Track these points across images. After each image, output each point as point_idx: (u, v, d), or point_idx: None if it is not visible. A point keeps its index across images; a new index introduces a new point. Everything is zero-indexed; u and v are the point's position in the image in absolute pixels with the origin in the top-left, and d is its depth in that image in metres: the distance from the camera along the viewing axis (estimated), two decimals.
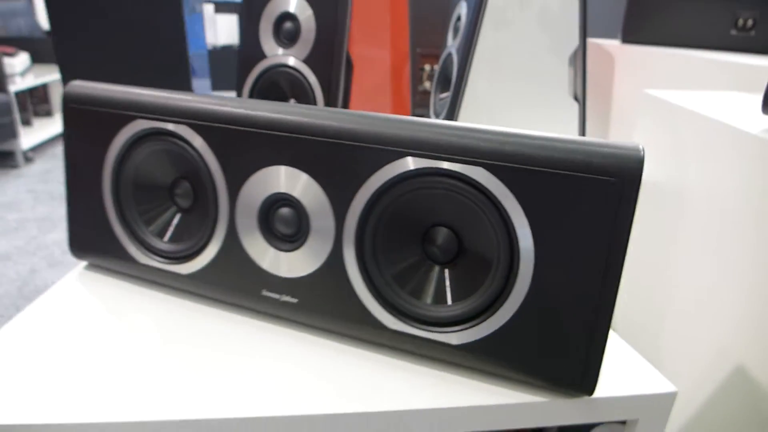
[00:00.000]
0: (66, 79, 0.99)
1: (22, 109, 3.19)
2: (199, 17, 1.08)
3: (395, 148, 0.37)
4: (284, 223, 0.41)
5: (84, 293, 0.48)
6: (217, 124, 0.42)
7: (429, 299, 0.38)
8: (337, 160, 0.38)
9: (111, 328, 0.43)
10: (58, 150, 3.25)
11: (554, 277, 0.34)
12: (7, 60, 2.93)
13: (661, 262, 0.73)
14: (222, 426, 0.34)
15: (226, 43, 3.49)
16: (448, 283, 0.38)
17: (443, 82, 0.96)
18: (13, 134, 2.84)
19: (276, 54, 0.69)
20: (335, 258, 0.40)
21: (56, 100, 3.63)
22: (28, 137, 3.07)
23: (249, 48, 0.70)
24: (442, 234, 0.38)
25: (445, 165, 0.36)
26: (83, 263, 0.53)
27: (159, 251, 0.47)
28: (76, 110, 0.48)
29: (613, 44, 1.25)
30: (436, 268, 0.39)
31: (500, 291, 0.36)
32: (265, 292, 0.43)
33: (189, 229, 0.46)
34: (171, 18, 1.00)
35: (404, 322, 0.38)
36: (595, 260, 0.33)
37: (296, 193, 0.40)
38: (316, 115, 0.39)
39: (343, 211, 0.39)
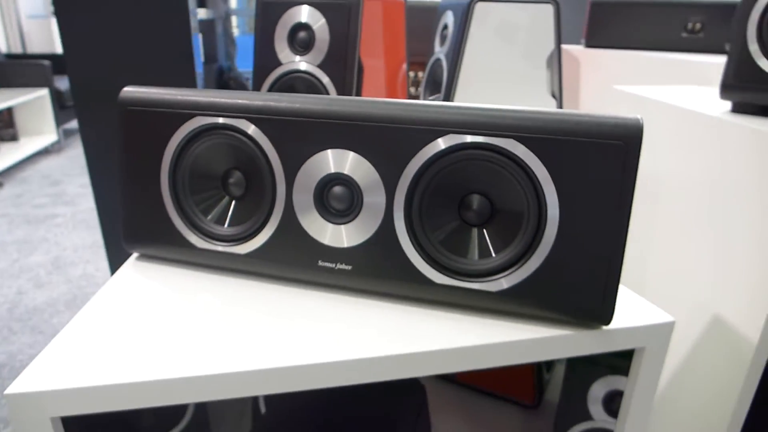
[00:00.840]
0: (76, 93, 1.03)
1: None
2: (197, 38, 1.14)
3: (437, 128, 0.44)
4: (338, 199, 0.47)
5: (145, 281, 0.53)
6: (274, 117, 0.48)
7: (469, 255, 0.45)
8: (385, 142, 0.45)
9: (181, 306, 0.48)
10: (27, 174, 3.20)
11: (576, 225, 0.42)
12: None
13: (642, 236, 0.82)
14: (301, 371, 0.40)
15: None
16: (481, 240, 0.45)
17: (432, 86, 1.04)
18: None
19: (292, 61, 0.75)
20: (386, 227, 0.46)
21: (22, 124, 3.57)
22: None
23: (265, 58, 0.76)
24: (475, 200, 0.45)
25: (481, 139, 0.43)
26: (132, 257, 0.58)
27: (217, 235, 0.52)
28: (133, 112, 0.53)
29: (578, 49, 1.36)
30: (474, 230, 0.46)
31: (531, 242, 0.43)
32: (321, 263, 0.49)
33: (242, 214, 0.52)
34: (181, 38, 1.06)
35: (450, 276, 0.45)
36: (609, 208, 0.41)
37: (349, 171, 0.47)
38: (363, 104, 0.46)
39: (393, 184, 0.45)
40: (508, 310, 0.45)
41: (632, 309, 0.48)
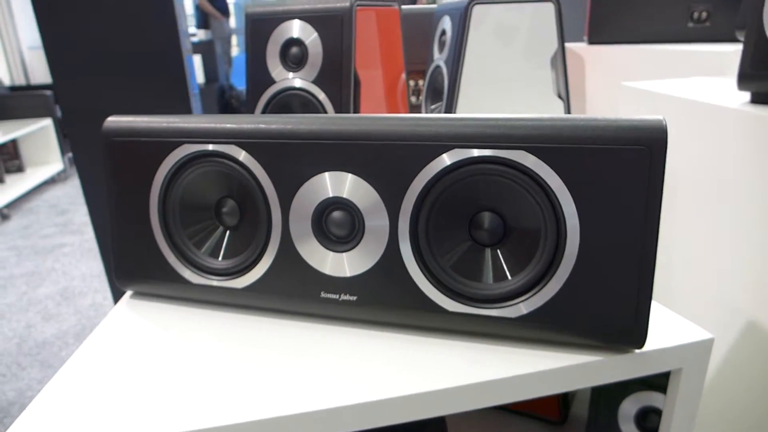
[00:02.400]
0: (68, 123, 1.01)
1: None
2: (189, 58, 1.13)
3: (440, 143, 0.40)
4: (338, 225, 0.44)
5: (139, 320, 0.50)
6: (264, 140, 0.45)
7: (483, 279, 0.42)
8: (385, 161, 0.42)
9: (178, 347, 0.45)
10: (34, 204, 3.20)
11: (599, 241, 0.38)
12: None
13: (663, 242, 0.78)
14: (305, 420, 0.36)
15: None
16: (495, 262, 0.41)
17: (433, 94, 1.01)
18: None
19: (286, 78, 0.72)
20: (391, 253, 0.43)
21: (27, 155, 3.59)
22: (2, 194, 3.02)
23: (257, 75, 0.73)
24: (487, 218, 0.41)
25: (488, 152, 0.39)
26: (127, 295, 0.55)
27: (212, 269, 0.49)
28: (118, 143, 0.50)
29: (581, 46, 1.33)
30: (486, 251, 0.42)
31: (550, 261, 0.39)
32: (323, 294, 0.45)
33: (238, 245, 0.49)
34: (173, 61, 1.04)
35: (463, 303, 0.41)
36: (635, 219, 0.37)
37: (348, 195, 0.43)
38: (360, 122, 0.43)
39: (396, 206, 0.42)
40: (530, 337, 0.42)
41: (665, 326, 0.44)
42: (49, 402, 0.38)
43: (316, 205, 0.44)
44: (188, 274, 0.50)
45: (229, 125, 0.46)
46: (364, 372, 0.40)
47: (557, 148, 0.38)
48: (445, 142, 0.40)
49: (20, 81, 4.26)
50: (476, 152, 0.39)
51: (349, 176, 0.43)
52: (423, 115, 0.42)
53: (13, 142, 3.44)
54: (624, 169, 0.37)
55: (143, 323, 0.49)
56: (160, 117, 0.49)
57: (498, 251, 0.42)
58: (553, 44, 0.97)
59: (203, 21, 4.53)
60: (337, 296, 0.45)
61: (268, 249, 0.46)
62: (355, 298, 0.44)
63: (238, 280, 0.48)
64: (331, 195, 0.44)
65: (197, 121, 0.47)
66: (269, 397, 0.37)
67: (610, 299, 0.39)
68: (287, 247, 0.46)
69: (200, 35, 4.51)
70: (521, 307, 0.40)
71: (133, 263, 0.52)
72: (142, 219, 0.50)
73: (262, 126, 0.45)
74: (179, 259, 0.50)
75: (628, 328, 0.39)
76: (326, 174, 0.43)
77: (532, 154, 0.38)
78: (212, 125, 0.46)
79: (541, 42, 0.98)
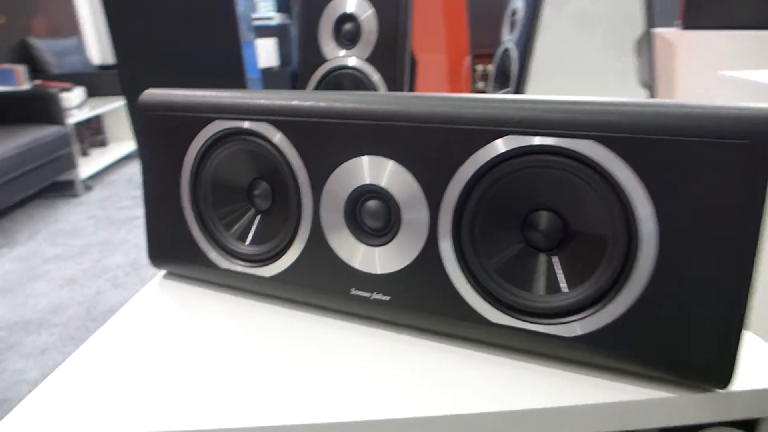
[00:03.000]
0: (130, 107, 1.02)
1: (80, 140, 3.35)
2: (251, 44, 1.14)
3: (492, 127, 0.34)
4: (372, 216, 0.39)
5: (167, 302, 0.47)
6: (297, 118, 0.41)
7: (535, 289, 0.36)
8: (428, 146, 0.36)
9: (199, 335, 0.42)
10: (114, 177, 3.38)
11: (681, 254, 0.31)
12: (64, 95, 3.08)
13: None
14: (320, 431, 0.32)
15: (266, 66, 3.59)
16: (556, 270, 0.35)
17: (501, 79, 0.94)
18: (72, 164, 2.97)
19: (337, 56, 0.68)
20: (430, 251, 0.37)
21: (110, 131, 3.79)
22: (86, 167, 3.20)
23: (309, 52, 0.70)
24: (544, 218, 0.35)
25: (550, 141, 0.33)
26: (160, 273, 0.53)
27: (240, 255, 0.46)
28: (153, 117, 0.48)
29: (672, 31, 1.20)
30: (540, 256, 0.36)
31: (618, 274, 0.33)
32: (354, 291, 0.41)
33: (269, 230, 0.45)
34: (229, 47, 1.03)
35: (509, 314, 0.36)
36: (728, 234, 0.30)
37: (385, 183, 0.38)
38: (403, 100, 0.38)
39: (438, 198, 0.36)
40: (585, 361, 0.35)
41: (759, 363, 0.36)
42: (56, 386, 0.36)
43: (350, 193, 0.40)
44: (217, 257, 0.47)
45: (261, 101, 0.42)
46: (386, 382, 0.35)
47: (635, 139, 0.31)
48: (500, 127, 0.34)
49: (108, 61, 4.50)
50: (536, 140, 0.33)
51: (386, 161, 0.38)
52: (475, 95, 0.37)
53: (98, 118, 3.65)
54: (720, 168, 0.30)
55: (169, 306, 0.46)
56: (197, 91, 0.47)
57: (554, 258, 0.35)
58: (639, 28, 0.87)
59: (285, 4, 4.58)
60: (369, 294, 0.40)
61: (297, 237, 0.42)
62: (387, 298, 0.40)
63: (266, 268, 0.44)
64: (366, 182, 0.39)
65: (230, 96, 0.44)
66: (275, 401, 0.34)
67: (689, 325, 0.32)
68: (317, 236, 0.41)
69: (277, 18, 4.58)
70: (576, 327, 0.34)
71: (165, 242, 0.50)
72: (174, 196, 0.47)
73: (295, 103, 0.41)
74: (208, 241, 0.47)
75: (710, 363, 0.32)
76: (361, 158, 0.39)
77: (604, 145, 0.32)
78: (244, 101, 0.43)
79: (625, 26, 0.88)
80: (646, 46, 0.85)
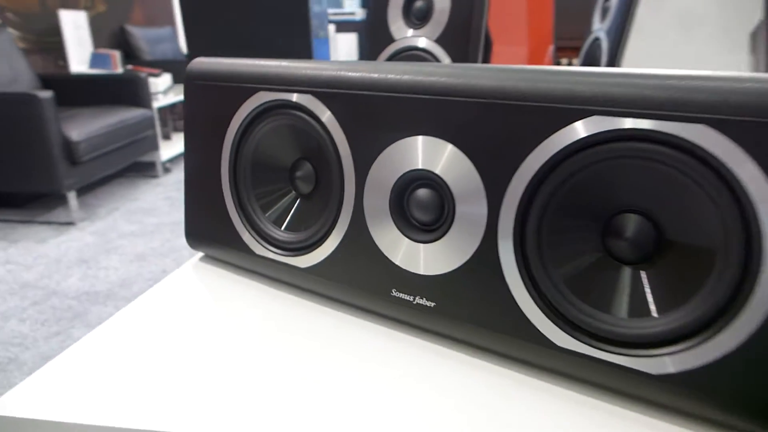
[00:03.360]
0: None
1: (163, 124, 3.50)
2: (325, 41, 1.13)
3: (572, 106, 0.28)
4: (422, 207, 0.34)
5: (196, 286, 0.44)
6: (344, 91, 0.36)
7: (615, 310, 0.29)
8: (493, 127, 0.30)
9: (220, 326, 0.38)
10: None
11: None
12: (152, 80, 3.23)
13: None
14: None
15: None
16: (644, 288, 0.28)
17: None
18: (155, 146, 3.11)
19: (405, 36, 0.63)
20: (486, 252, 0.31)
21: None
22: (167, 149, 3.35)
23: (376, 31, 0.65)
24: (632, 222, 0.28)
25: (645, 124, 0.26)
26: (197, 256, 0.50)
27: (275, 241, 0.42)
28: (197, 87, 0.44)
29: None
30: (625, 270, 0.29)
31: (729, 299, 0.25)
32: (395, 293, 0.35)
33: (309, 217, 0.41)
34: (301, 42, 1.02)
35: (579, 338, 0.29)
36: None
37: (439, 169, 0.33)
38: (467, 71, 0.32)
39: (500, 190, 0.30)
40: (672, 405, 0.28)
41: None
42: (57, 368, 0.34)
43: (399, 178, 0.34)
44: (250, 240, 0.43)
45: (308, 71, 0.38)
46: (414, 402, 0.29)
47: (760, 123, 0.24)
48: (582, 105, 0.28)
49: None
50: (628, 123, 0.27)
51: (444, 144, 0.32)
52: (554, 67, 0.30)
53: (182, 104, 3.81)
54: None
55: (197, 290, 0.43)
56: (245, 60, 0.43)
57: (642, 273, 0.28)
58: (754, 17, 0.75)
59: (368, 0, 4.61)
60: (411, 298, 0.35)
61: (337, 225, 0.38)
62: (432, 304, 0.34)
63: (302, 258, 0.40)
64: (418, 167, 0.33)
65: (275, 65, 0.40)
66: (281, 408, 0.29)
67: None
68: (358, 226, 0.36)
69: (360, 14, 4.61)
70: (667, 362, 0.27)
71: (202, 222, 0.46)
72: (213, 172, 0.44)
73: (343, 73, 0.36)
74: (243, 223, 0.43)
75: None
76: (416, 139, 0.33)
77: (720, 131, 0.25)
78: (290, 71, 0.39)
79: (735, 14, 0.77)
80: (763, 38, 0.74)
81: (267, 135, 0.41)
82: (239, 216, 0.43)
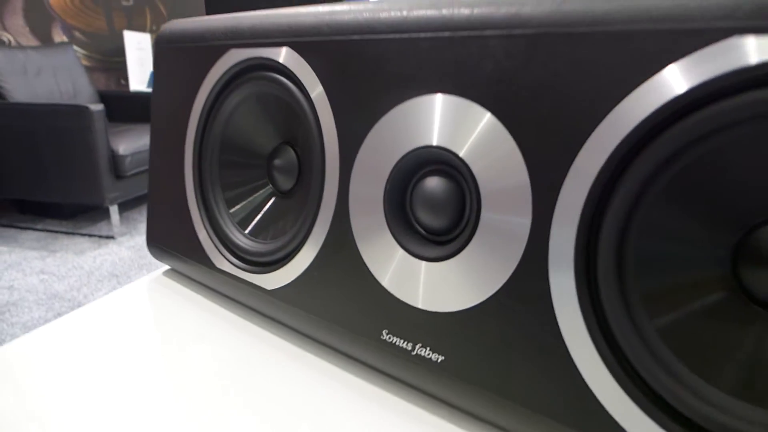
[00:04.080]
0: None
1: None
2: None
3: (701, 25, 0.16)
4: (431, 206, 0.22)
5: (141, 308, 0.33)
6: (330, 38, 0.25)
7: (758, 394, 0.16)
8: (563, 78, 0.18)
9: (161, 358, 0.27)
10: None
11: None
12: None
13: None
14: None
15: None
16: None
17: None
18: None
19: None
20: (527, 282, 0.19)
21: None
22: None
23: None
24: None
25: None
26: (161, 269, 0.40)
27: (237, 249, 0.31)
28: (166, 52, 0.35)
29: None
30: None
31: None
32: (386, 335, 0.24)
33: (286, 222, 0.30)
34: None
35: None
36: None
37: (464, 150, 0.21)
38: None
39: (554, 183, 0.18)
40: None
41: None
42: None
43: (400, 159, 0.23)
44: (210, 246, 0.32)
45: (286, 19, 0.27)
46: None
47: None
48: (717, 21, 0.16)
49: None
50: None
51: (468, 108, 0.21)
52: None
53: None
54: None
55: (139, 314, 0.32)
56: (220, 15, 0.33)
57: None
58: None
59: None
60: (410, 346, 0.23)
61: (313, 232, 0.26)
62: (440, 358, 0.22)
63: (269, 276, 0.29)
64: (431, 143, 0.22)
65: (249, 17, 0.30)
66: None
67: None
68: (341, 232, 0.25)
69: None
70: None
71: (165, 225, 0.36)
72: (177, 160, 0.34)
73: (329, 17, 0.25)
74: (203, 223, 0.32)
75: None
76: (427, 99, 0.22)
77: None
78: (265, 21, 0.28)
79: None
80: None
81: (240, 109, 0.31)
82: (200, 214, 0.32)
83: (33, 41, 2.56)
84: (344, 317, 0.25)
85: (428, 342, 0.22)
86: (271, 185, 0.31)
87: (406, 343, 0.23)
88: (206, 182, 0.32)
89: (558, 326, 0.18)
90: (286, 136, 0.30)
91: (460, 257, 0.21)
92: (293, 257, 0.27)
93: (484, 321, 0.20)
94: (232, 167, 0.32)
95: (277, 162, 0.30)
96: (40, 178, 2.26)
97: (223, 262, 0.31)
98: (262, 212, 0.31)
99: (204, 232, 0.32)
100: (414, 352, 0.23)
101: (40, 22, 2.55)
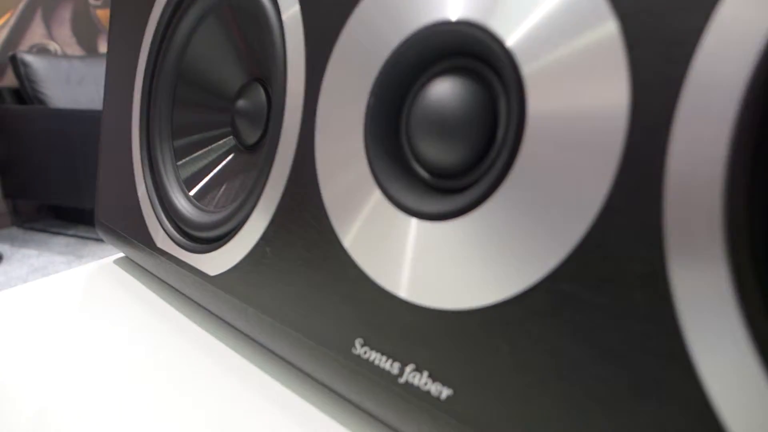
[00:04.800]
0: None
1: None
2: None
3: None
4: (441, 127, 0.13)
5: (71, 298, 0.25)
6: None
7: None
8: None
9: (87, 357, 0.18)
10: None
11: None
12: None
13: None
14: None
15: None
16: None
17: None
18: None
19: None
20: (605, 254, 0.10)
21: None
22: None
23: None
24: None
25: None
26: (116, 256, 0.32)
27: (178, 216, 0.22)
28: None
29: None
30: None
31: None
32: (360, 348, 0.14)
33: (238, 184, 0.21)
34: None
35: None
36: None
37: (511, 30, 0.12)
38: None
39: (676, 83, 0.09)
40: None
41: None
42: None
43: (392, 53, 0.14)
44: (151, 218, 0.24)
45: None
46: None
47: None
48: None
49: None
50: None
51: None
52: None
53: None
54: None
55: (80, 304, 0.24)
56: None
57: None
58: None
59: None
60: (397, 368, 0.13)
61: (264, 193, 0.17)
62: (447, 392, 0.12)
63: (211, 257, 0.20)
64: (446, 17, 0.13)
65: None
66: None
67: None
68: (302, 187, 0.16)
69: None
70: None
71: (111, 195, 0.28)
72: (126, 101, 0.26)
73: None
74: (146, 183, 0.24)
75: None
76: None
77: None
78: None
79: None
80: None
81: (199, 33, 0.23)
82: (142, 166, 0.24)
83: (79, 51, 2.62)
84: (300, 317, 0.16)
85: (426, 361, 0.13)
86: (234, 137, 0.23)
87: (390, 361, 0.13)
88: (154, 126, 0.24)
89: (683, 342, 0.09)
90: (258, 70, 0.22)
91: (479, 213, 0.12)
92: (240, 230, 0.19)
93: (527, 328, 0.11)
94: (189, 109, 0.24)
95: (240, 104, 0.22)
96: (74, 185, 2.27)
97: (160, 234, 0.22)
98: (215, 171, 0.22)
99: (143, 187, 0.24)
100: (402, 379, 0.13)
101: (86, 34, 2.61)
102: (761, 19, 0.08)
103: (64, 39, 2.54)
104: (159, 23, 0.24)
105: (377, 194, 0.13)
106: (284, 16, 0.17)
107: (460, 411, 0.12)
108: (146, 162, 0.24)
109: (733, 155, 0.09)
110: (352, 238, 0.14)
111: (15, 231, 2.45)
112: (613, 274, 0.10)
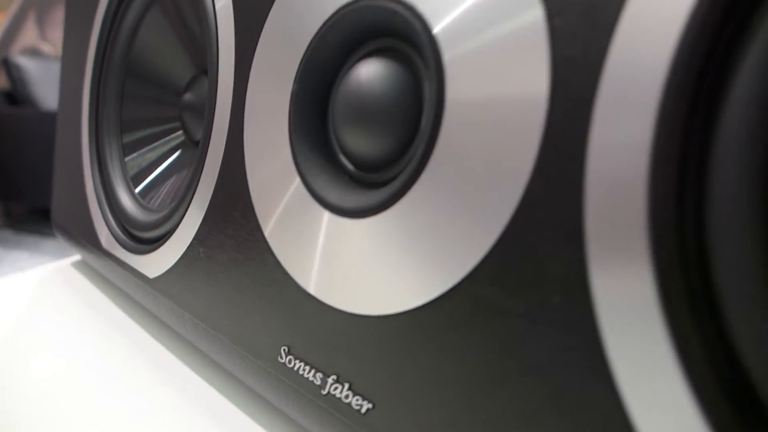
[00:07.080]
0: None
1: None
2: None
3: None
4: (363, 113, 0.12)
5: (29, 300, 0.24)
6: None
7: None
8: None
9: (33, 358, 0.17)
10: None
11: None
12: None
13: None
14: None
15: None
16: None
17: None
18: None
19: None
20: (532, 256, 0.09)
21: None
22: None
23: None
24: None
25: None
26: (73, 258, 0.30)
27: (122, 215, 0.21)
28: None
29: None
30: None
31: None
32: (285, 356, 0.13)
33: (182, 182, 0.20)
34: None
35: None
36: None
37: (437, 10, 0.11)
38: None
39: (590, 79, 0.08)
40: None
41: None
42: None
43: (314, 37, 0.13)
44: (97, 215, 0.22)
45: None
46: None
47: None
48: None
49: None
50: None
51: None
52: None
53: None
54: None
55: (27, 307, 0.23)
56: None
57: None
58: None
59: None
60: (319, 378, 0.12)
61: (198, 191, 0.16)
62: (367, 405, 0.11)
63: (150, 258, 0.19)
64: None
65: None
66: None
67: None
68: (232, 182, 0.15)
69: None
70: None
71: (64, 195, 0.27)
72: (76, 96, 0.25)
73: None
74: (94, 180, 0.23)
75: None
76: None
77: None
78: None
79: None
80: None
81: (145, 25, 0.22)
82: (90, 162, 0.23)
83: None
84: (228, 322, 0.15)
85: (347, 372, 0.12)
86: (183, 132, 0.22)
87: (312, 371, 0.12)
88: (102, 122, 0.23)
89: (604, 353, 0.08)
90: (205, 63, 0.21)
91: (394, 210, 0.10)
92: (176, 229, 0.17)
93: (444, 337, 0.10)
94: (138, 103, 0.23)
95: (186, 97, 0.21)
96: None
97: (104, 234, 0.21)
98: (162, 167, 0.21)
99: (91, 184, 0.22)
100: (325, 390, 0.12)
101: None
102: None
103: (58, 41, 2.53)
104: (106, 15, 0.23)
105: (297, 182, 0.12)
106: (218, 6, 0.16)
107: (380, 427, 0.11)
108: (95, 159, 0.23)
109: (659, 141, 0.08)
110: (272, 227, 0.13)
111: (7, 233, 2.44)
112: (532, 277, 0.09)
